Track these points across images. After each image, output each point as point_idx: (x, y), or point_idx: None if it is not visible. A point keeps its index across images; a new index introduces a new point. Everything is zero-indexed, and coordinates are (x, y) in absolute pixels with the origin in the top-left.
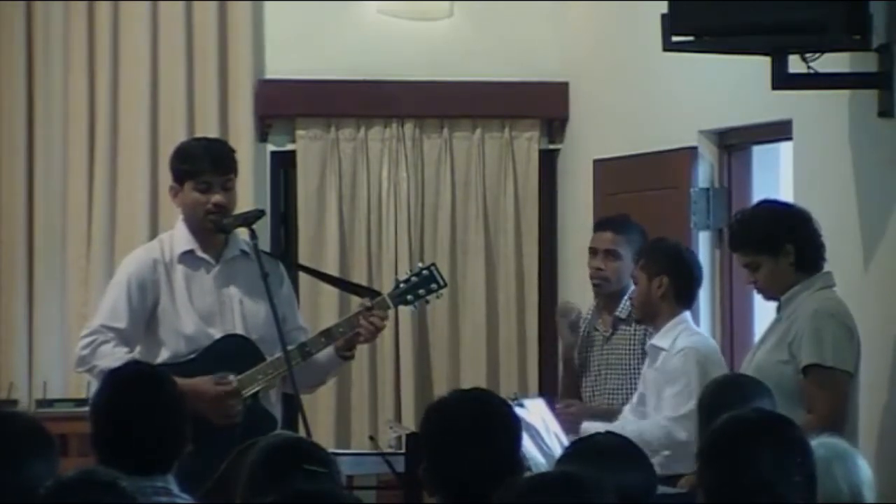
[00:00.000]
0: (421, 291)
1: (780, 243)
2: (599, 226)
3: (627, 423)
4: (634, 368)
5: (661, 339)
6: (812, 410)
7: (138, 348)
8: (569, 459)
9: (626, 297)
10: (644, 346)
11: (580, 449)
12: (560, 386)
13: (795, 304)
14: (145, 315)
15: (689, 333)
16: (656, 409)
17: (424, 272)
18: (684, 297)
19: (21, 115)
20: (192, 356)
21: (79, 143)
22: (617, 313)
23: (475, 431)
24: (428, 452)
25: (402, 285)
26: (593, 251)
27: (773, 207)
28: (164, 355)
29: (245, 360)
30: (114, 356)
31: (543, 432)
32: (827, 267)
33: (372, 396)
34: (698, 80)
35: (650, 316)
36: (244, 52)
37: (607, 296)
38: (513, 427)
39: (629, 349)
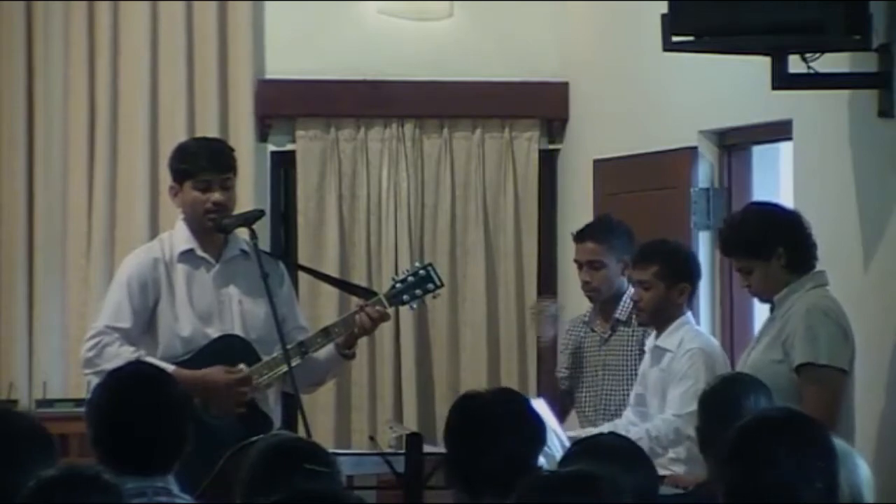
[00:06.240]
0: (417, 291)
1: (771, 247)
2: (579, 236)
3: (632, 424)
4: (632, 370)
5: (665, 341)
6: (803, 408)
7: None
8: (573, 459)
9: (624, 299)
10: (642, 347)
11: (584, 448)
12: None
13: (789, 304)
14: (147, 314)
15: (694, 334)
16: (660, 409)
17: (421, 272)
18: (692, 299)
19: (21, 114)
20: (188, 356)
21: (79, 143)
22: (616, 315)
23: (495, 428)
24: (449, 447)
25: (398, 285)
26: (578, 264)
27: (762, 211)
28: (159, 355)
29: (240, 360)
30: (120, 357)
31: None
32: (823, 266)
33: (371, 396)
34: (698, 80)
35: (663, 321)
36: (244, 52)
37: (603, 301)
38: (525, 429)
39: (627, 351)
